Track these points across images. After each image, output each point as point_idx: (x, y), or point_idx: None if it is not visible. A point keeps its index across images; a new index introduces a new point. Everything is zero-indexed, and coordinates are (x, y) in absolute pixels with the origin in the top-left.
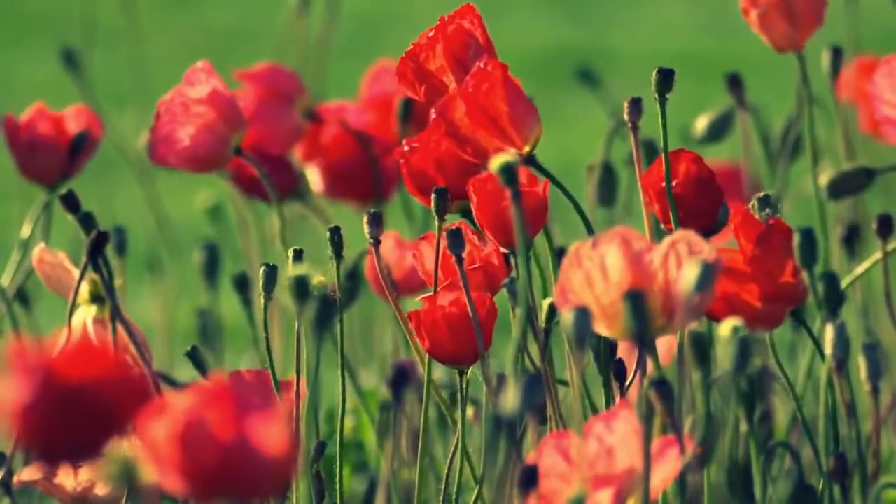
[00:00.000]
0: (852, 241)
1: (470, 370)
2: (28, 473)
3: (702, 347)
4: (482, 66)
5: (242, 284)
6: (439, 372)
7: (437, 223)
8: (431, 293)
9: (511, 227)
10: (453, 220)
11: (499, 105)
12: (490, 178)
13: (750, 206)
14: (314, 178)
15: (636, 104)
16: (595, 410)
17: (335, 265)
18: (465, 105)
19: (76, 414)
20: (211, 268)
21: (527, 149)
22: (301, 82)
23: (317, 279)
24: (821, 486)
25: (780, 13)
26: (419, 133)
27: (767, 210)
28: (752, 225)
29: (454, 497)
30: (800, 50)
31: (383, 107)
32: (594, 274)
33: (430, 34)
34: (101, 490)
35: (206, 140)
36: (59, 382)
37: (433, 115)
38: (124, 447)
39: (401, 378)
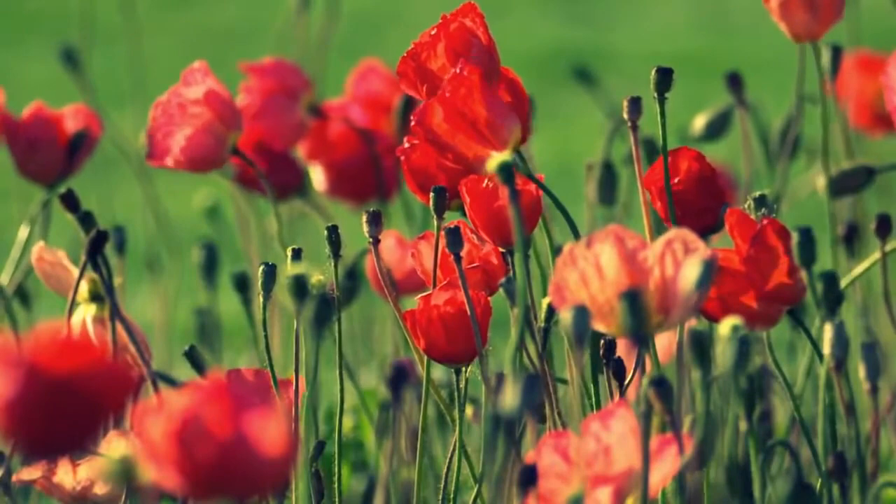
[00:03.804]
0: (852, 240)
1: (469, 369)
2: (27, 472)
3: (701, 346)
4: (459, 70)
5: (242, 283)
6: (438, 371)
7: (435, 222)
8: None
9: (505, 226)
10: (453, 219)
11: (477, 109)
12: (483, 178)
13: (746, 205)
14: (318, 176)
15: (635, 103)
16: (594, 409)
17: (333, 264)
18: (443, 110)
19: (61, 407)
20: (210, 267)
21: (507, 152)
22: (307, 78)
23: (316, 278)
24: (820, 486)
25: (801, 2)
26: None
27: (763, 210)
28: (747, 224)
29: (453, 496)
30: (818, 40)
31: (370, 105)
32: (589, 273)
33: (432, 33)
34: (100, 489)
35: (203, 141)
36: (43, 376)
37: (412, 123)
38: (123, 446)
39: (400, 377)
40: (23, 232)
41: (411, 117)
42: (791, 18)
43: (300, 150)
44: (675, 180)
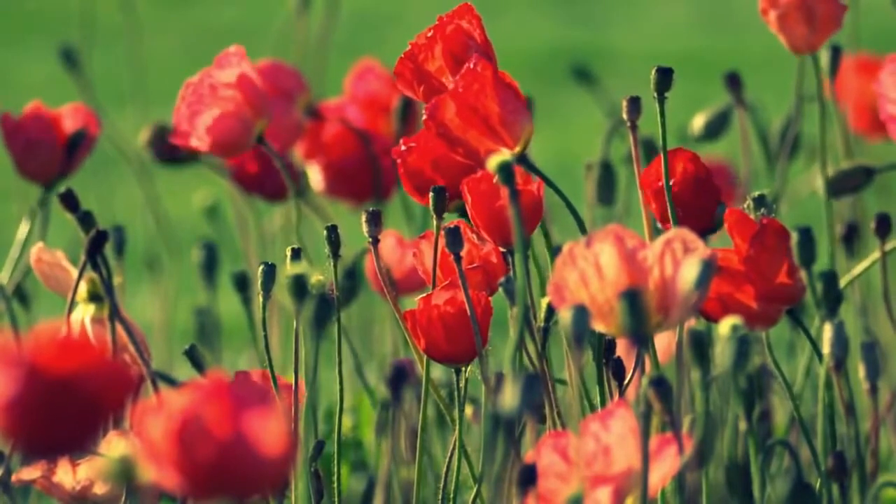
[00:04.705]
0: (851, 240)
1: (469, 369)
2: (27, 472)
3: (701, 346)
4: (472, 66)
5: (241, 283)
6: (438, 371)
7: (435, 222)
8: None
9: (506, 226)
10: (452, 220)
11: (489, 105)
12: (484, 178)
13: (745, 205)
14: (315, 176)
15: (635, 103)
16: (594, 409)
17: (332, 264)
18: (456, 105)
19: (61, 407)
20: (209, 266)
21: (518, 148)
22: (303, 79)
23: (315, 278)
24: (819, 486)
25: (799, 15)
26: (415, 133)
27: (763, 210)
28: (746, 224)
29: (452, 496)
30: (815, 52)
31: (369, 105)
32: (589, 272)
33: (429, 34)
34: (100, 489)
35: (230, 124)
36: (43, 376)
37: (424, 117)
38: (122, 446)
39: (399, 377)
40: (22, 231)
41: (423, 111)
42: (789, 31)
43: (297, 151)
44: (671, 182)
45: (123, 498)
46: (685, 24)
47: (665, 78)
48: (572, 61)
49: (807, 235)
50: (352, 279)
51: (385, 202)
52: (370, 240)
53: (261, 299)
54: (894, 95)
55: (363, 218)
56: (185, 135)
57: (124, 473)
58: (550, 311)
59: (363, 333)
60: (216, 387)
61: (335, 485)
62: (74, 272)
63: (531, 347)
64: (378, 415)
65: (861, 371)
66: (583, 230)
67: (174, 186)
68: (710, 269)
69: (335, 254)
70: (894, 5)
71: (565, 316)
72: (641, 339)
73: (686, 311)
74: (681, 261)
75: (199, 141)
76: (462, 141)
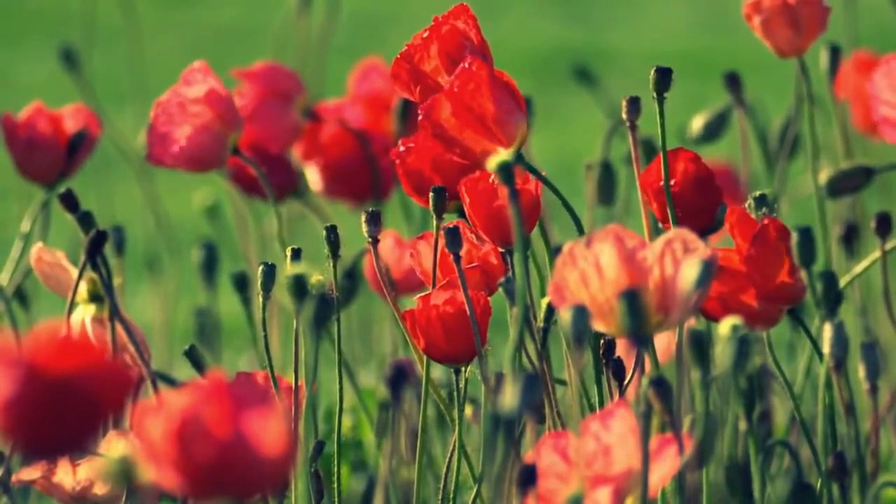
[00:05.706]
0: (851, 240)
1: (469, 369)
2: (27, 472)
3: (701, 346)
4: (467, 65)
5: (241, 283)
6: (438, 371)
7: (435, 222)
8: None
9: (504, 225)
10: (451, 220)
11: (485, 104)
12: (482, 178)
13: (746, 205)
14: (313, 176)
15: (634, 103)
16: (593, 409)
17: (332, 264)
18: (451, 105)
19: (60, 407)
20: (209, 267)
21: (514, 147)
22: (300, 81)
23: (315, 278)
24: (819, 486)
25: (783, 19)
26: (415, 132)
27: (764, 209)
28: (747, 224)
29: (452, 496)
30: (802, 55)
31: (372, 104)
32: (589, 272)
33: (425, 35)
34: (99, 489)
35: (203, 140)
36: (43, 376)
37: (420, 118)
38: (122, 446)
39: (399, 377)
40: (22, 232)
41: (418, 111)
42: (774, 36)
43: (295, 152)
44: (672, 182)
45: (123, 498)
46: (684, 24)
47: (664, 78)
48: (572, 61)
49: (807, 235)
50: (351, 279)
51: (384, 202)
52: (370, 240)
53: (261, 299)
54: (887, 97)
55: (363, 218)
56: (159, 154)
57: (124, 473)
58: (550, 311)
59: (363, 333)
60: (216, 387)
61: (335, 485)
62: (75, 272)
63: (531, 347)
64: (378, 415)
65: (861, 371)
66: (580, 229)
67: (174, 186)
68: (710, 269)
69: (335, 254)
70: (894, 5)
71: (565, 316)
72: (641, 339)
73: (686, 311)
74: (681, 261)
75: (173, 159)
76: (458, 141)
